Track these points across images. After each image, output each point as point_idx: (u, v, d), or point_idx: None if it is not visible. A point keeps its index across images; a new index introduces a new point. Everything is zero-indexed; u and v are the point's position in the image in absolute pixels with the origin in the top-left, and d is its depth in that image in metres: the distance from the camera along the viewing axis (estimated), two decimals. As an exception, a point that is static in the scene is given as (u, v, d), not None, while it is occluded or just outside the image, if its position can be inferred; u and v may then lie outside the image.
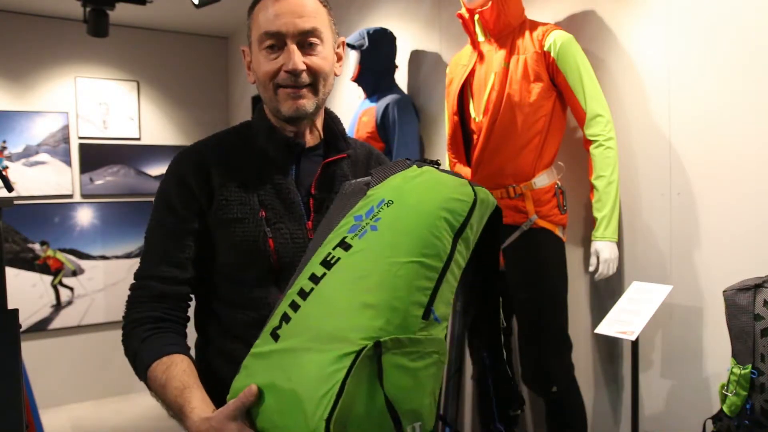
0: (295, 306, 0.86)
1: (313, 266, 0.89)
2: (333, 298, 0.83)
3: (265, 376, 0.84)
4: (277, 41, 1.05)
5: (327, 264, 0.87)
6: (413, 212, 0.87)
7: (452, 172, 0.96)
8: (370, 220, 0.88)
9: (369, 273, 0.83)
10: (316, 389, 0.76)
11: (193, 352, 1.15)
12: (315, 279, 0.87)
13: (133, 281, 1.10)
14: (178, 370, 0.98)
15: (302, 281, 0.89)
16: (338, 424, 0.73)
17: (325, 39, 1.09)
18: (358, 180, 1.02)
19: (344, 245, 0.87)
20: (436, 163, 0.98)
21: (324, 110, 1.19)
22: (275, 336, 0.86)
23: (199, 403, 0.93)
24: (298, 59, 1.04)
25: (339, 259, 0.86)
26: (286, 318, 0.86)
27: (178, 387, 0.95)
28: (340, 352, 0.76)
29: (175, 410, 0.94)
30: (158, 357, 1.00)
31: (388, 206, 0.88)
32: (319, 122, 1.17)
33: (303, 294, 0.87)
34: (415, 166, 0.96)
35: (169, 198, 1.09)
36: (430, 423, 0.83)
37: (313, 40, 1.06)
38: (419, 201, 0.88)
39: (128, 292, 1.10)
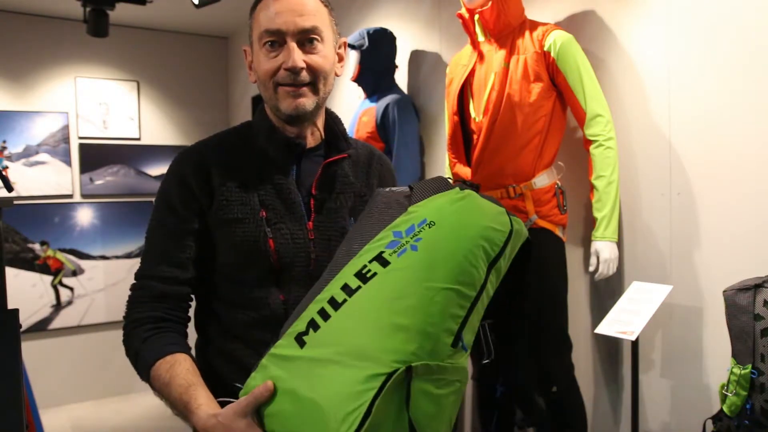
0: (325, 315, 0.86)
1: (347, 276, 0.88)
2: (366, 315, 0.83)
3: (285, 380, 0.84)
4: (277, 39, 1.05)
5: (362, 277, 0.86)
6: (453, 237, 0.87)
7: (491, 198, 0.95)
8: (410, 238, 0.87)
9: (405, 294, 0.82)
10: (342, 405, 0.76)
11: (193, 352, 1.15)
12: (348, 290, 0.86)
13: (134, 281, 1.10)
14: (182, 368, 0.98)
15: (334, 290, 0.88)
16: None
17: (326, 38, 1.09)
18: (394, 189, 1.01)
19: (382, 260, 0.86)
20: (476, 187, 0.97)
21: (325, 110, 1.19)
22: (300, 342, 0.85)
23: (205, 400, 0.93)
24: (297, 57, 1.05)
25: (375, 274, 0.85)
26: (314, 325, 0.86)
27: (183, 385, 0.95)
28: (370, 372, 0.76)
29: (180, 407, 0.94)
30: (161, 356, 1.00)
31: (429, 227, 0.88)
32: (320, 122, 1.17)
33: (335, 304, 0.86)
34: (458, 188, 0.95)
35: (170, 198, 1.09)
36: None
37: (314, 38, 1.06)
38: (460, 226, 0.88)
39: (129, 292, 1.10)
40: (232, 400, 0.90)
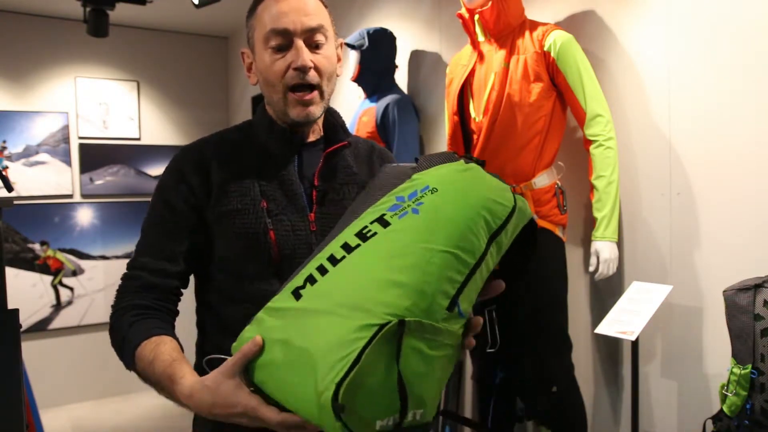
0: (322, 270, 0.87)
1: (347, 236, 0.89)
2: (363, 270, 0.84)
3: (279, 330, 0.84)
4: (284, 39, 1.06)
5: (362, 236, 0.87)
6: (455, 204, 0.88)
7: (497, 176, 0.96)
8: (412, 202, 0.89)
9: (403, 253, 0.83)
10: (332, 352, 0.76)
11: (194, 352, 1.15)
12: (348, 248, 0.87)
13: (125, 271, 1.10)
14: (167, 347, 0.98)
15: (334, 248, 0.89)
16: (348, 391, 0.73)
17: (329, 37, 1.10)
18: (401, 164, 1.02)
19: (382, 222, 0.88)
20: (481, 163, 0.98)
21: None
22: (297, 295, 0.86)
23: (189, 372, 0.93)
24: (306, 56, 1.05)
25: (375, 233, 0.87)
26: (311, 279, 0.87)
27: (167, 360, 0.95)
28: (363, 322, 0.77)
29: (165, 381, 0.94)
30: (146, 338, 1.00)
31: (432, 193, 0.89)
32: (320, 120, 1.17)
33: (333, 260, 0.87)
34: (462, 161, 0.96)
35: (167, 192, 1.10)
36: (431, 414, 0.83)
37: (319, 38, 1.07)
38: (463, 195, 0.89)
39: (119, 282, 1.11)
40: (221, 357, 0.90)
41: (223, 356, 0.90)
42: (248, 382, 0.86)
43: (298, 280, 0.89)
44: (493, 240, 0.88)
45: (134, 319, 1.03)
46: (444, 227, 0.85)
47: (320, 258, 0.90)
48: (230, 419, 0.86)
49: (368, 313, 0.78)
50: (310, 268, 0.89)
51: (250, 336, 0.87)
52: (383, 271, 0.82)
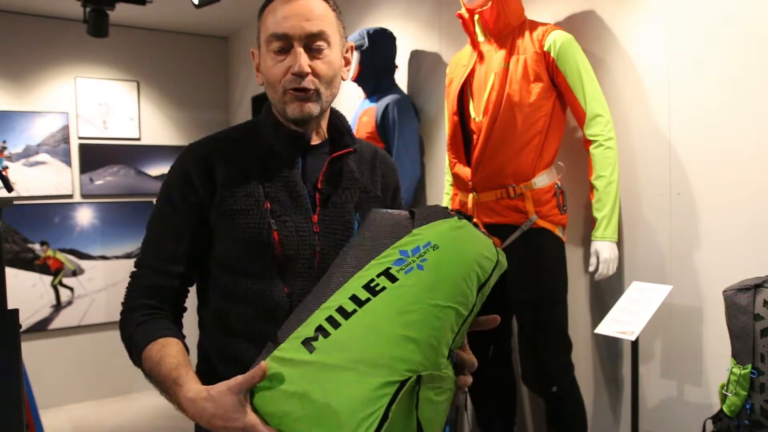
0: (334, 322, 0.90)
1: (355, 288, 0.93)
2: (378, 326, 0.88)
3: (294, 383, 0.87)
4: (284, 44, 1.06)
5: (371, 290, 0.92)
6: (455, 261, 0.95)
7: (483, 231, 1.05)
8: (417, 258, 0.94)
9: (412, 309, 0.89)
10: (357, 410, 0.81)
11: (195, 353, 1.15)
12: (358, 301, 0.91)
13: (133, 269, 1.13)
14: (173, 349, 1.00)
15: (342, 299, 0.92)
16: None
17: (333, 43, 1.09)
18: (392, 211, 1.07)
19: (389, 276, 0.93)
20: (469, 218, 1.06)
21: (330, 109, 1.19)
22: (309, 347, 0.89)
23: (194, 379, 0.94)
24: (304, 62, 1.05)
25: (384, 288, 0.92)
26: (323, 331, 0.89)
27: (173, 363, 0.97)
28: (385, 379, 0.82)
29: (169, 382, 0.95)
30: (153, 339, 1.02)
31: (433, 249, 0.95)
32: (324, 123, 1.17)
33: (344, 313, 0.90)
34: (456, 218, 1.03)
35: (171, 191, 1.11)
36: None
37: (320, 43, 1.07)
38: (460, 252, 0.96)
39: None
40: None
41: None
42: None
43: (306, 329, 0.91)
44: (480, 291, 0.96)
45: (142, 320, 1.05)
46: (447, 284, 0.92)
47: (328, 308, 0.92)
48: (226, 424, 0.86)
49: (388, 370, 0.84)
50: (318, 318, 0.92)
51: (260, 385, 0.89)
52: (396, 328, 0.87)
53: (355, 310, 0.90)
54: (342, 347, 0.87)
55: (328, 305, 0.92)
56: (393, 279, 0.92)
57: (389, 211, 1.07)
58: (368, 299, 0.91)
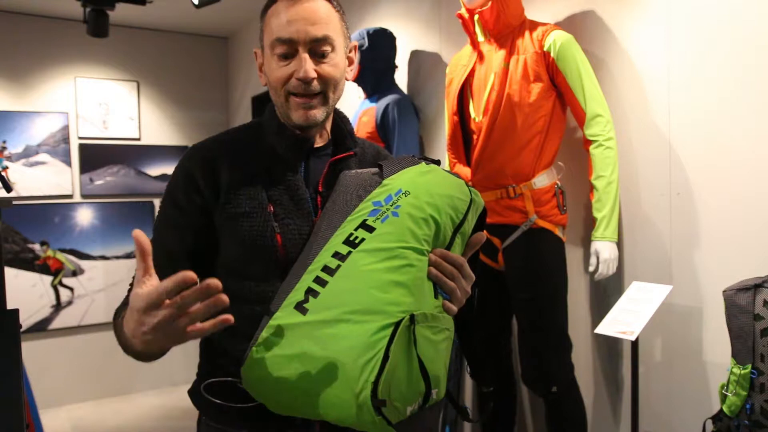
0: (321, 281, 0.93)
1: (336, 245, 0.96)
2: (364, 275, 0.91)
3: (294, 346, 0.89)
4: (289, 48, 1.05)
5: (351, 243, 0.94)
6: (427, 205, 0.97)
7: (452, 173, 1.08)
8: (390, 206, 0.97)
9: (395, 255, 0.92)
10: (359, 356, 0.84)
11: (197, 353, 1.15)
12: (340, 256, 0.94)
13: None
14: None
15: (325, 258, 0.95)
16: (384, 386, 0.82)
17: (337, 46, 1.08)
18: (361, 171, 1.09)
19: (366, 227, 0.95)
20: (437, 162, 1.09)
21: (333, 110, 1.19)
22: (302, 309, 0.91)
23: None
24: (309, 67, 1.04)
25: (363, 239, 0.94)
26: (312, 292, 0.92)
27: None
28: (380, 323, 0.86)
29: (125, 317, 0.89)
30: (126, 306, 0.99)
31: (405, 196, 0.98)
32: (328, 125, 1.17)
33: (329, 270, 0.93)
34: (423, 164, 1.06)
35: (175, 192, 1.11)
36: (443, 392, 0.93)
37: (325, 48, 1.06)
38: (431, 195, 0.99)
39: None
40: (228, 380, 0.96)
41: (223, 378, 0.97)
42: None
43: (297, 294, 0.94)
44: (458, 231, 1.00)
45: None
46: (422, 227, 0.96)
47: (314, 270, 0.95)
48: (141, 328, 0.82)
49: (382, 314, 0.87)
50: (306, 281, 0.94)
51: (259, 357, 0.91)
52: (382, 274, 0.90)
53: (339, 266, 0.93)
54: (333, 303, 0.90)
55: (313, 268, 0.95)
56: (370, 229, 0.95)
57: (358, 171, 1.10)
58: (350, 252, 0.93)
